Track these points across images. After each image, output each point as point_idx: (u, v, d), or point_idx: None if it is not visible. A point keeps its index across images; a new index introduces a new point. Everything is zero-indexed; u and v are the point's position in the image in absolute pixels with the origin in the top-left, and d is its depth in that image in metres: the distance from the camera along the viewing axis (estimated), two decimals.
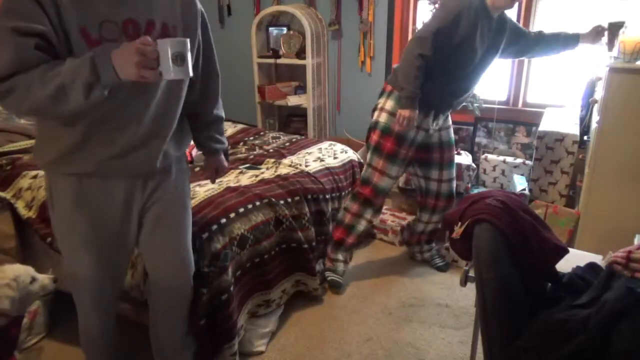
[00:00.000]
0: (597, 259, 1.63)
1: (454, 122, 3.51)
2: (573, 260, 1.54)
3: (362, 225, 2.49)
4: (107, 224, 1.48)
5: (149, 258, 1.63)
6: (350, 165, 2.86)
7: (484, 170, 3.37)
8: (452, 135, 2.52)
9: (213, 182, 1.83)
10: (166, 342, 1.75)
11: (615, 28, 2.19)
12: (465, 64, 2.19)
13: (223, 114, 1.73)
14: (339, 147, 3.01)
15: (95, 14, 1.22)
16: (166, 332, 1.74)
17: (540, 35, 2.35)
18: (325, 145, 3.02)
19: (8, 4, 1.17)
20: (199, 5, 1.47)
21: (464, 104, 3.13)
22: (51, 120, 1.34)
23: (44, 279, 1.69)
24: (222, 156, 1.77)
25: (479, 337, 1.34)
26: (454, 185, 2.56)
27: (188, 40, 1.19)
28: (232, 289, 1.88)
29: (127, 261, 1.67)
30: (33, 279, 1.66)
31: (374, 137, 2.38)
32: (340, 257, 2.53)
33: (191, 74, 1.21)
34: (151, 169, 1.47)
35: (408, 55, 2.14)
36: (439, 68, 2.16)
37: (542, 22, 3.22)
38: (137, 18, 1.28)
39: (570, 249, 1.53)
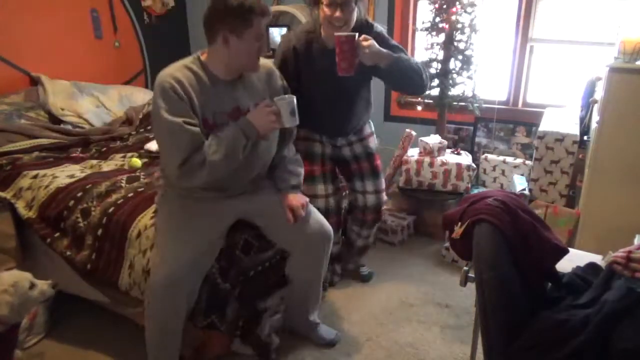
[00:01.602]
0: (597, 259, 1.63)
1: (454, 122, 3.54)
2: (573, 260, 1.54)
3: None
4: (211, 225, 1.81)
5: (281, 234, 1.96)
6: None
7: (484, 170, 3.37)
8: (369, 146, 2.41)
9: (293, 222, 1.87)
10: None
11: (346, 42, 1.86)
12: (320, 96, 2.20)
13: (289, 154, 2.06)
14: None
15: (211, 108, 1.70)
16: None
17: None
18: None
19: (166, 105, 1.59)
20: (277, 73, 1.93)
21: (464, 104, 3.17)
22: None
23: (43, 284, 1.68)
24: (290, 194, 1.93)
25: (479, 337, 1.34)
26: (382, 197, 2.47)
27: (295, 98, 1.70)
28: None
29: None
30: (32, 285, 1.65)
31: None
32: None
33: (297, 122, 1.73)
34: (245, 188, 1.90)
35: None
36: (304, 102, 2.16)
37: (542, 22, 3.22)
38: (241, 105, 1.76)
39: (570, 249, 1.53)
